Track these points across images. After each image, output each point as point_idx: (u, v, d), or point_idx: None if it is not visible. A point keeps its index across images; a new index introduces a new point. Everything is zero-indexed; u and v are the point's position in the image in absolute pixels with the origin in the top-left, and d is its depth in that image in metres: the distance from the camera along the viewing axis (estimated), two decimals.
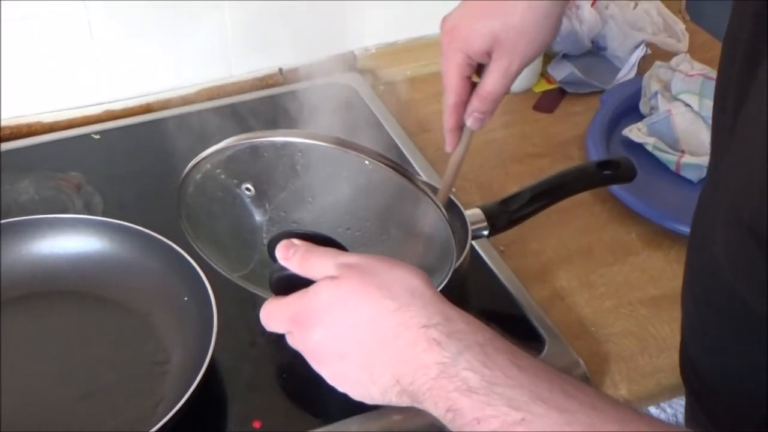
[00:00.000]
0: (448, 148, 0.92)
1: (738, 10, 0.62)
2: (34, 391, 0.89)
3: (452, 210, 0.98)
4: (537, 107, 1.35)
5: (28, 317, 0.96)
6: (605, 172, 1.04)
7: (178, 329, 0.93)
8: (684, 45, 1.41)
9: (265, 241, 0.72)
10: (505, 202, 1.00)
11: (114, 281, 0.98)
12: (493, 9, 0.84)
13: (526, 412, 0.54)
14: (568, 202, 1.04)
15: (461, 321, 0.60)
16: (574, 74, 1.36)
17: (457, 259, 0.75)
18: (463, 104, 0.89)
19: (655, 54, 1.38)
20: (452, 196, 1.01)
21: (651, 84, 1.29)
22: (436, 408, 0.58)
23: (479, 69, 0.89)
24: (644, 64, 1.36)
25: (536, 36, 0.85)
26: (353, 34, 1.38)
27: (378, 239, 0.72)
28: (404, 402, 0.61)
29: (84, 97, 1.27)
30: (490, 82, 0.86)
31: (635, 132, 1.23)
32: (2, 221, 1.00)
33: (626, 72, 1.37)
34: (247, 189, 0.70)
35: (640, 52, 1.37)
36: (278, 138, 0.68)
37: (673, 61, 1.31)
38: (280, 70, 1.35)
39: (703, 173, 1.16)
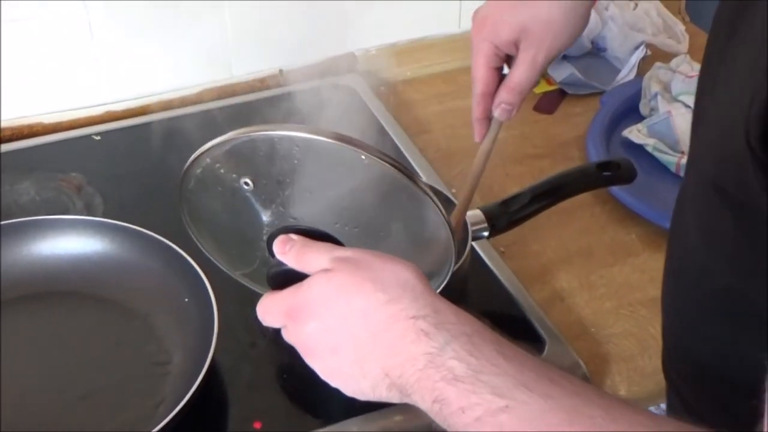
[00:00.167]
0: (476, 138, 0.93)
1: None
2: (35, 392, 0.89)
3: (452, 210, 0.98)
4: (537, 108, 1.35)
5: (29, 318, 0.96)
6: (605, 173, 1.04)
7: (179, 330, 0.93)
8: (684, 46, 1.41)
9: (265, 237, 0.72)
10: (506, 203, 1.00)
11: (114, 282, 0.98)
12: (522, 2, 0.86)
13: (510, 399, 0.55)
14: (569, 203, 1.04)
15: (450, 313, 0.61)
16: (574, 75, 1.36)
17: (457, 260, 0.75)
18: (491, 95, 0.90)
19: (655, 55, 1.38)
20: (452, 197, 1.01)
21: (651, 85, 1.29)
22: (423, 400, 0.59)
23: (509, 61, 0.90)
24: (644, 65, 1.36)
25: (563, 29, 0.86)
26: (354, 35, 1.38)
27: (375, 236, 0.72)
28: (394, 396, 0.61)
29: (84, 97, 1.27)
30: (518, 74, 0.88)
31: (635, 133, 1.23)
32: (3, 222, 1.00)
33: (626, 73, 1.37)
34: (246, 183, 0.71)
35: (640, 53, 1.38)
36: (276, 132, 0.68)
37: (673, 62, 1.32)
38: (281, 71, 1.35)
39: None
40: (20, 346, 0.93)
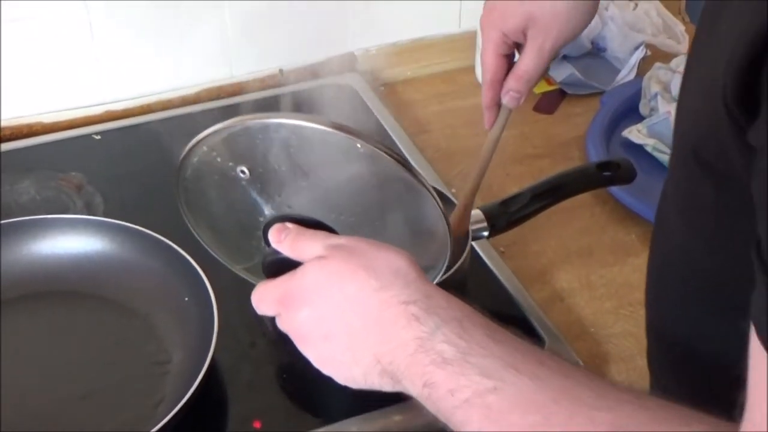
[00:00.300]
0: (486, 125, 0.94)
1: None
2: (35, 391, 0.89)
3: (452, 210, 0.98)
4: (537, 108, 1.35)
5: (29, 317, 0.96)
6: (605, 173, 1.04)
7: (179, 329, 0.93)
8: (684, 46, 1.41)
9: (261, 227, 0.72)
10: (505, 203, 1.01)
11: (115, 281, 0.98)
12: None
13: (498, 380, 0.55)
14: (568, 203, 1.04)
15: (441, 298, 0.61)
16: (574, 75, 1.36)
17: (456, 251, 0.75)
18: (499, 81, 0.90)
19: (655, 55, 1.38)
20: (452, 197, 1.01)
21: (651, 85, 1.29)
22: (413, 386, 0.59)
23: (519, 50, 0.91)
24: (644, 66, 1.36)
25: (570, 17, 0.87)
26: (353, 35, 1.38)
27: (371, 226, 0.72)
28: (386, 383, 0.61)
29: (85, 97, 1.27)
30: (525, 62, 0.88)
31: (635, 133, 1.23)
32: (3, 221, 1.00)
33: (626, 73, 1.37)
34: (242, 172, 0.71)
35: (639, 54, 1.38)
36: (272, 120, 0.68)
37: (673, 63, 1.32)
38: (281, 70, 1.35)
39: None
40: (20, 345, 0.93)
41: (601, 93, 1.35)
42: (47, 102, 1.26)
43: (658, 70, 1.31)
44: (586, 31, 1.39)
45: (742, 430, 0.46)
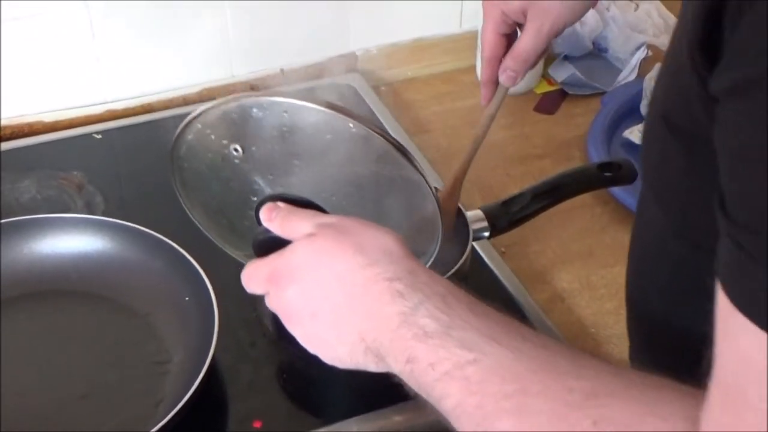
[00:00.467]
0: (483, 102, 0.95)
1: None
2: (35, 391, 0.89)
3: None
4: (538, 108, 1.35)
5: (30, 316, 0.96)
6: (606, 174, 1.04)
7: (179, 329, 0.93)
8: None
9: (254, 207, 0.73)
10: (506, 203, 1.00)
11: (115, 281, 0.98)
12: None
13: (478, 352, 0.55)
14: (569, 204, 1.04)
15: (425, 275, 0.61)
16: (575, 76, 1.36)
17: (442, 232, 0.76)
18: (497, 59, 0.91)
19: (656, 56, 1.38)
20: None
21: (652, 86, 1.29)
22: (396, 362, 0.59)
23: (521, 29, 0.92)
24: (645, 66, 1.36)
25: (570, 2, 0.88)
26: (354, 35, 1.38)
27: (362, 207, 0.72)
28: (370, 362, 0.62)
29: (85, 96, 1.27)
30: (523, 42, 0.89)
31: (636, 134, 1.23)
32: (4, 220, 1.00)
33: (627, 74, 1.37)
34: (236, 150, 0.71)
35: (641, 54, 1.38)
36: (266, 98, 0.69)
37: None
38: (282, 70, 1.35)
39: None
40: (20, 344, 0.93)
41: (602, 93, 1.35)
42: (48, 101, 1.26)
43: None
44: (587, 32, 1.40)
45: (710, 390, 0.46)
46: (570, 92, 1.37)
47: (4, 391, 0.88)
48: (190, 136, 0.73)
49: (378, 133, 0.68)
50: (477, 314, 0.58)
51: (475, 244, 1.00)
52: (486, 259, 1.05)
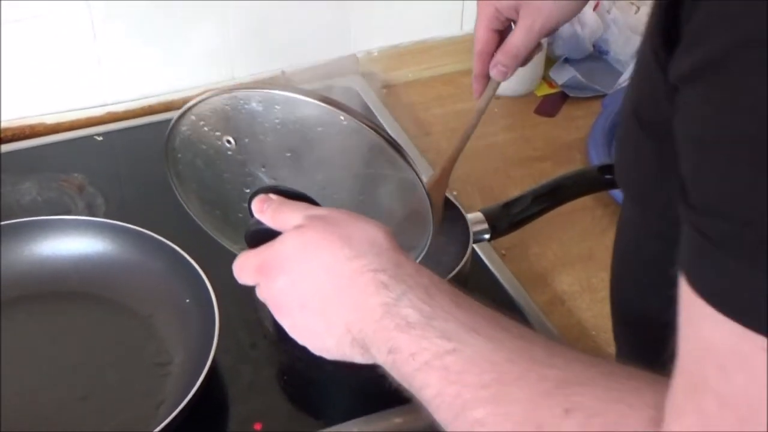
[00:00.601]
0: (474, 95, 0.97)
1: None
2: (36, 392, 0.89)
3: (454, 213, 0.99)
4: (539, 111, 1.35)
5: (31, 318, 0.96)
6: (606, 177, 1.04)
7: (180, 331, 0.93)
8: None
9: (248, 199, 0.73)
10: (507, 205, 1.01)
11: (116, 283, 0.98)
12: None
13: (458, 342, 0.56)
14: (570, 206, 1.04)
15: (411, 267, 0.62)
16: (575, 78, 1.36)
17: (433, 226, 0.76)
18: (489, 54, 0.93)
19: None
20: (453, 199, 1.01)
21: None
22: (380, 353, 0.60)
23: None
24: None
25: (560, 2, 0.89)
26: (355, 37, 1.38)
27: (354, 200, 0.73)
28: (356, 354, 0.62)
29: (86, 98, 1.27)
30: (514, 38, 0.91)
31: None
32: (4, 222, 1.00)
33: (628, 76, 1.37)
34: (228, 142, 0.72)
35: None
36: (258, 91, 0.70)
37: None
38: (283, 72, 1.35)
39: None
40: (21, 346, 0.93)
41: (603, 96, 1.35)
42: (49, 103, 1.26)
43: None
44: (588, 34, 1.40)
45: (673, 377, 0.46)
46: (571, 95, 1.37)
47: (5, 392, 0.88)
48: (184, 128, 0.74)
49: (369, 127, 0.69)
50: (459, 305, 0.59)
51: (475, 246, 1.00)
52: (486, 262, 1.05)
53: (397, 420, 0.87)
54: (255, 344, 0.95)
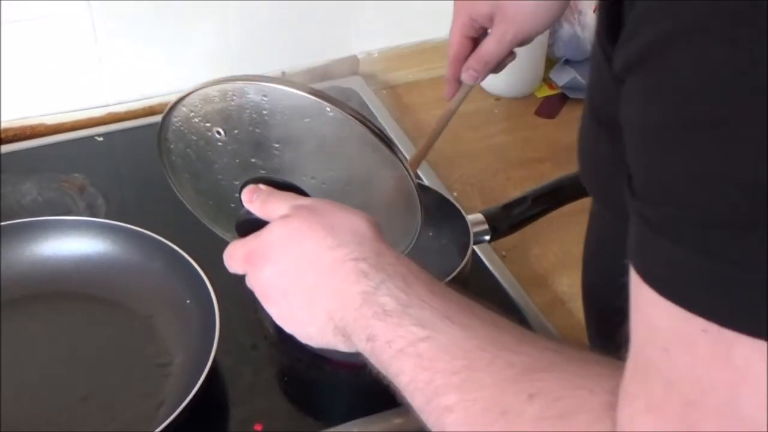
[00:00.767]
0: (446, 97, 0.99)
1: None
2: (36, 392, 0.89)
3: (454, 214, 0.99)
4: (539, 112, 1.35)
5: (31, 318, 0.97)
6: None
7: (181, 331, 0.93)
8: None
9: (239, 189, 0.74)
10: (507, 206, 1.01)
11: (116, 283, 0.98)
12: None
13: (432, 330, 0.57)
14: (570, 208, 1.04)
15: (391, 256, 0.63)
16: (576, 80, 1.36)
17: (422, 218, 0.77)
18: (461, 60, 0.96)
19: None
20: (454, 200, 1.02)
21: None
22: (359, 340, 0.61)
23: None
24: None
25: (535, 12, 0.92)
26: (356, 38, 1.38)
27: (342, 190, 0.74)
28: (339, 342, 0.63)
29: (87, 99, 1.27)
30: (486, 45, 0.94)
31: None
32: (5, 222, 1.00)
33: None
34: (218, 133, 0.73)
35: None
36: (247, 82, 0.70)
37: None
38: (283, 73, 1.35)
39: None
40: (22, 346, 0.93)
41: None
42: (50, 103, 1.26)
43: None
44: (588, 36, 1.40)
45: (626, 365, 0.47)
46: (571, 96, 1.37)
47: (5, 392, 0.88)
48: (175, 119, 0.75)
49: (355, 118, 0.70)
50: (435, 293, 0.60)
51: (475, 247, 1.00)
52: (487, 263, 1.05)
53: (397, 420, 0.87)
54: (255, 345, 0.95)
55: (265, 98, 0.70)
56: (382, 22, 1.38)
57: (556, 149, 1.28)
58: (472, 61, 0.95)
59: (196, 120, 0.73)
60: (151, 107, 1.29)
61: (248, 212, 0.71)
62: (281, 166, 0.73)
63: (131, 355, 0.93)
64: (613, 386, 0.48)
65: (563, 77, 1.38)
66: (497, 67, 0.96)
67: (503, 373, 0.54)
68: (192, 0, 1.24)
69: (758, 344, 0.40)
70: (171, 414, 0.81)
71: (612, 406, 0.48)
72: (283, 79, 0.71)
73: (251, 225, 0.69)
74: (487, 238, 0.99)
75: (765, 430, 0.41)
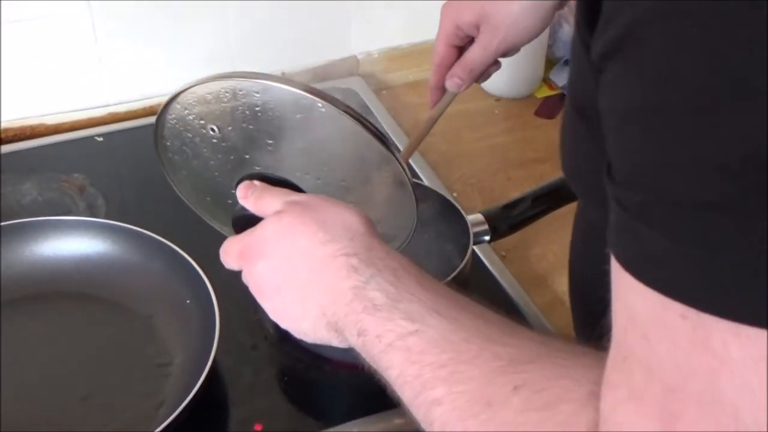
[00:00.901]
0: (429, 104, 0.99)
1: None
2: (36, 392, 0.89)
3: (454, 214, 0.99)
4: (539, 113, 1.35)
5: (31, 318, 0.97)
6: None
7: (181, 332, 0.93)
8: None
9: (235, 186, 0.74)
10: (507, 207, 1.01)
11: (117, 283, 0.98)
12: None
13: (421, 323, 0.58)
14: (570, 208, 1.04)
15: (382, 251, 0.63)
16: None
17: (417, 214, 0.78)
18: (446, 68, 0.96)
19: None
20: (454, 201, 1.02)
21: None
22: (351, 335, 0.61)
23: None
24: None
25: (521, 20, 0.91)
26: (356, 38, 1.38)
27: (337, 185, 0.74)
28: (332, 338, 0.64)
29: (87, 99, 1.27)
30: (471, 54, 0.94)
31: None
32: (5, 222, 1.00)
33: None
34: (213, 130, 0.73)
35: None
36: (240, 79, 0.71)
37: None
38: (283, 73, 1.35)
39: None
40: (22, 346, 0.93)
41: None
42: (50, 104, 1.26)
43: None
44: None
45: (609, 354, 0.47)
46: None
47: (5, 393, 0.88)
48: (170, 117, 0.75)
49: (347, 113, 0.70)
50: (424, 287, 0.60)
51: (475, 247, 1.00)
52: (487, 263, 1.05)
53: (397, 420, 0.87)
54: (255, 345, 0.95)
55: (257, 95, 0.70)
56: (381, 23, 1.38)
57: (556, 149, 1.27)
58: (457, 68, 0.95)
59: (191, 117, 0.74)
60: (151, 107, 1.29)
61: (243, 208, 0.71)
62: (276, 163, 0.73)
63: (131, 355, 0.93)
64: (597, 376, 0.48)
65: (563, 77, 1.38)
66: (482, 75, 0.96)
67: (489, 365, 0.54)
68: (192, 0, 1.24)
69: (737, 329, 0.40)
70: (171, 414, 0.81)
71: (596, 396, 0.48)
72: (275, 75, 0.71)
73: (247, 221, 0.70)
74: (487, 238, 0.99)
75: (745, 415, 0.40)
